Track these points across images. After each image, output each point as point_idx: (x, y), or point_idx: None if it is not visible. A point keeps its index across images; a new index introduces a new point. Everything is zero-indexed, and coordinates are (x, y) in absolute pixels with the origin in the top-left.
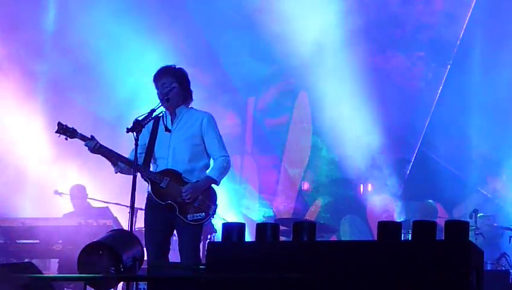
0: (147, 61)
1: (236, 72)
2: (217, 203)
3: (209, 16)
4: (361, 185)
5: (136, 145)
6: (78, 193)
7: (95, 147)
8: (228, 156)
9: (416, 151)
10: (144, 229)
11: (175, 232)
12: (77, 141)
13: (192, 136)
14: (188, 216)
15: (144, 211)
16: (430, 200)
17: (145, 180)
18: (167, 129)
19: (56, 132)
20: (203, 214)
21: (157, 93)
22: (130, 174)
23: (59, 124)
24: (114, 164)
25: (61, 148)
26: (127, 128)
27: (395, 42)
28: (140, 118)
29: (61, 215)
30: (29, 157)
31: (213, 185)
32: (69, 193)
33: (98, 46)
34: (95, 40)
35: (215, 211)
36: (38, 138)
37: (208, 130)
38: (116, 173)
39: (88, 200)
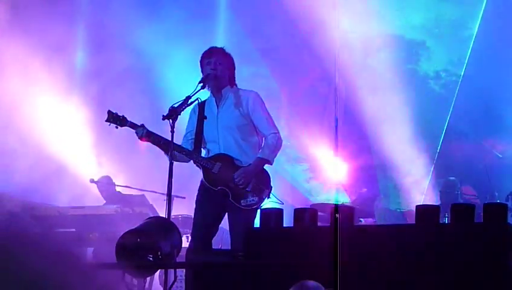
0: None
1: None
2: (271, 185)
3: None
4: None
5: (173, 132)
6: (106, 184)
7: (145, 135)
8: (278, 133)
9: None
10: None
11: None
12: (112, 130)
13: (240, 116)
14: (242, 201)
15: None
16: (452, 177)
17: (198, 166)
18: (204, 117)
19: (106, 121)
20: (256, 198)
21: (205, 70)
22: (185, 162)
23: (109, 112)
24: (166, 153)
25: (97, 137)
26: (163, 116)
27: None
28: (176, 105)
29: (97, 203)
30: (66, 146)
31: (267, 167)
32: (97, 185)
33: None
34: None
35: (269, 195)
36: (74, 127)
37: (254, 108)
38: (170, 161)
39: (123, 188)
